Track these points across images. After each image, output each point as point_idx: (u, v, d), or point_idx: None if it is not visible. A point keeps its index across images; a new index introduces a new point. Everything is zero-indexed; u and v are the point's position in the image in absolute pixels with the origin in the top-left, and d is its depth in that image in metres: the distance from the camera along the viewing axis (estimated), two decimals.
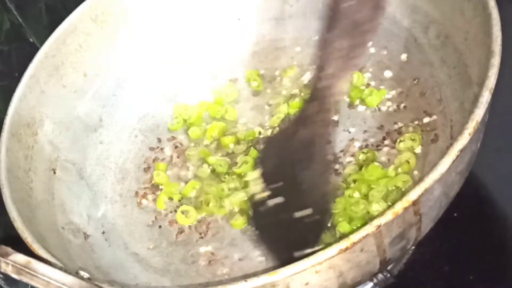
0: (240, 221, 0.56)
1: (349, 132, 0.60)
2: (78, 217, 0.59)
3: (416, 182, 0.42)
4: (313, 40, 0.68)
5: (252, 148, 0.61)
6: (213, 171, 0.61)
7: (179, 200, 0.61)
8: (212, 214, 0.58)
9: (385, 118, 0.60)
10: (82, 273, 0.44)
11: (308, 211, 0.49)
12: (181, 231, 0.58)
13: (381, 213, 0.41)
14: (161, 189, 0.62)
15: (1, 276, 0.42)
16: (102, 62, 0.68)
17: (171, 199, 0.61)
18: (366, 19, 0.48)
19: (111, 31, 0.68)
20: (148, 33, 0.70)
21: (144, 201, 0.62)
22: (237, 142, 0.63)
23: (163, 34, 0.70)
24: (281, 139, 0.57)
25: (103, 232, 0.59)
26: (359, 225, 0.52)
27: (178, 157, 0.64)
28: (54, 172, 0.61)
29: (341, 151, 0.59)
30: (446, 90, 0.57)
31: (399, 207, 0.41)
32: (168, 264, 0.56)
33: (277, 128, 0.63)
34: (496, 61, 0.44)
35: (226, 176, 0.60)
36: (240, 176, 0.60)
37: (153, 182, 0.63)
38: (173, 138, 0.66)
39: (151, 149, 0.66)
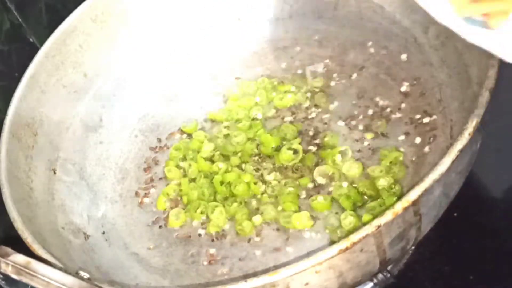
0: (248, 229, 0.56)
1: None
2: (78, 217, 0.59)
3: (416, 182, 0.42)
4: (313, 40, 0.68)
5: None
6: (210, 174, 0.61)
7: (180, 198, 0.61)
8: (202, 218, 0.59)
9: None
10: (82, 273, 0.44)
11: None
12: (181, 231, 0.58)
13: (381, 213, 0.41)
14: (162, 188, 0.62)
15: (1, 276, 0.42)
16: (102, 62, 0.68)
17: (170, 199, 0.61)
18: None
19: (111, 31, 0.68)
20: (148, 33, 0.70)
21: (144, 201, 0.62)
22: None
23: (163, 34, 0.70)
24: None
25: (103, 232, 0.59)
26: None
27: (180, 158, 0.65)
28: (54, 172, 0.61)
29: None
30: (446, 90, 0.57)
31: (399, 207, 0.41)
32: (168, 264, 0.56)
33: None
34: (496, 61, 0.44)
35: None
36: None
37: (153, 183, 0.63)
38: (173, 137, 0.66)
39: (151, 149, 0.66)
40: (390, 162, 0.56)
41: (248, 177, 0.59)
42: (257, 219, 0.56)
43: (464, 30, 0.38)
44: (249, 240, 0.55)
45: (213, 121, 0.66)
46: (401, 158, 0.56)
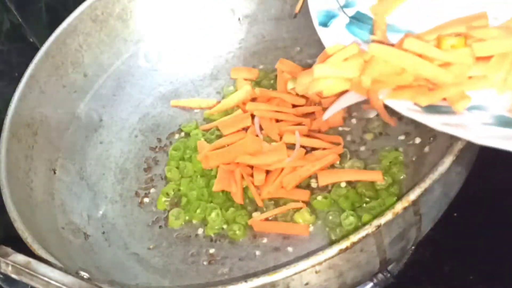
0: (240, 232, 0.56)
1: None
2: (78, 217, 0.59)
3: (416, 182, 0.42)
4: (313, 40, 0.68)
5: None
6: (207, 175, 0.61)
7: (180, 198, 0.61)
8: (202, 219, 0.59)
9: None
10: (82, 273, 0.44)
11: None
12: (181, 231, 0.58)
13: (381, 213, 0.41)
14: (162, 188, 0.62)
15: (1, 276, 0.42)
16: (102, 62, 0.68)
17: (170, 199, 0.61)
18: None
19: (111, 31, 0.68)
20: (147, 33, 0.70)
21: (144, 201, 0.62)
22: None
23: (163, 34, 0.71)
24: None
25: (103, 232, 0.59)
26: None
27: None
28: (54, 172, 0.61)
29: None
30: None
31: (399, 207, 0.41)
32: (168, 264, 0.56)
33: None
34: None
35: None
36: None
37: (153, 183, 0.63)
38: (173, 137, 0.66)
39: (151, 149, 0.66)
40: (390, 162, 0.56)
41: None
42: (256, 215, 0.56)
43: (425, 118, 0.39)
44: (250, 240, 0.55)
45: (210, 120, 0.66)
46: (401, 158, 0.56)
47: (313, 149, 0.58)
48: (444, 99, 0.41)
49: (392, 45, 0.43)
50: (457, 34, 0.42)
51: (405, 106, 0.40)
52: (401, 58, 0.41)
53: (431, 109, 0.40)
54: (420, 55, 0.41)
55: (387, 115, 0.42)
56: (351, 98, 0.45)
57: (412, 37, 0.42)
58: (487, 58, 0.40)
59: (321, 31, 0.47)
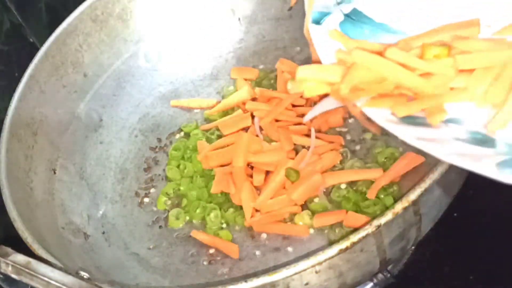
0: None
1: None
2: (78, 217, 0.59)
3: (416, 182, 0.42)
4: None
5: None
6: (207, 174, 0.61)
7: (180, 198, 0.61)
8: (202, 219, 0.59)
9: None
10: (82, 273, 0.44)
11: None
12: (181, 231, 0.58)
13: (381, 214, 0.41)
14: (162, 188, 0.62)
15: (1, 276, 0.42)
16: (102, 62, 0.68)
17: (170, 199, 0.61)
18: None
19: (111, 31, 0.68)
20: (147, 33, 0.70)
21: (144, 201, 0.62)
22: None
23: (163, 34, 0.71)
24: None
25: (103, 232, 0.59)
26: None
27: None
28: (54, 172, 0.61)
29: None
30: None
31: (399, 207, 0.41)
32: (168, 264, 0.56)
33: None
34: None
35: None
36: None
37: (153, 183, 0.63)
38: (173, 137, 0.66)
39: (151, 149, 0.66)
40: (385, 158, 0.55)
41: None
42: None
43: (400, 131, 0.38)
44: (250, 240, 0.55)
45: (210, 120, 0.66)
46: (396, 154, 0.55)
47: None
48: (423, 110, 0.40)
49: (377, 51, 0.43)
50: (442, 44, 0.41)
51: (382, 116, 0.40)
52: (383, 66, 0.40)
53: (408, 120, 0.40)
54: (402, 64, 0.40)
55: (367, 122, 0.42)
56: (332, 103, 0.44)
57: (394, 47, 0.41)
58: (470, 70, 0.40)
59: (312, 29, 0.47)
